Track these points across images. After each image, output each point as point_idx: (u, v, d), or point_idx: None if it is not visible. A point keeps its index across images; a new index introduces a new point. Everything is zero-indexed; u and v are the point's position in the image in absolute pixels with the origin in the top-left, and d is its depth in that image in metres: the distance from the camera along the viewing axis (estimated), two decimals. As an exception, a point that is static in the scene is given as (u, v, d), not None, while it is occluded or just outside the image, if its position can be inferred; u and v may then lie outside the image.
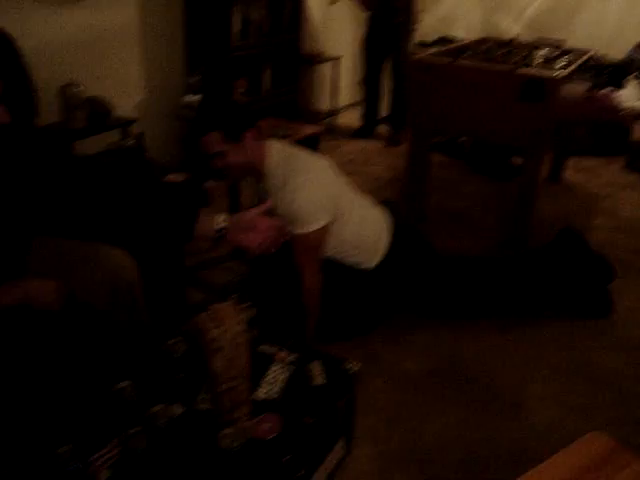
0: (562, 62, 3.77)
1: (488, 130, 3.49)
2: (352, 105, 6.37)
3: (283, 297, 2.65)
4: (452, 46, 4.37)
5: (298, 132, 3.99)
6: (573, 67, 3.62)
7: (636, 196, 4.55)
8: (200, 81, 4.15)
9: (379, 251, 2.68)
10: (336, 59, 5.78)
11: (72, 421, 1.66)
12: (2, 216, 1.59)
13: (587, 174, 4.94)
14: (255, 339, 1.98)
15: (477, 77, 3.40)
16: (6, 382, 1.61)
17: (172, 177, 3.22)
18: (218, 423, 1.66)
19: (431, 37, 6.49)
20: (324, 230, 2.45)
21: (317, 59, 5.59)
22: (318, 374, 1.91)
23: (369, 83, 5.59)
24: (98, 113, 3.57)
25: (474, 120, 3.47)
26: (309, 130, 4.15)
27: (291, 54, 5.01)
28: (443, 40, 6.31)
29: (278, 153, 2.46)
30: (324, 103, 6.00)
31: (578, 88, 4.11)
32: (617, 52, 5.68)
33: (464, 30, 6.63)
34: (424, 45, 6.15)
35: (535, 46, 4.33)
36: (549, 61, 3.86)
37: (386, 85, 5.58)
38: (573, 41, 4.94)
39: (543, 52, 4.08)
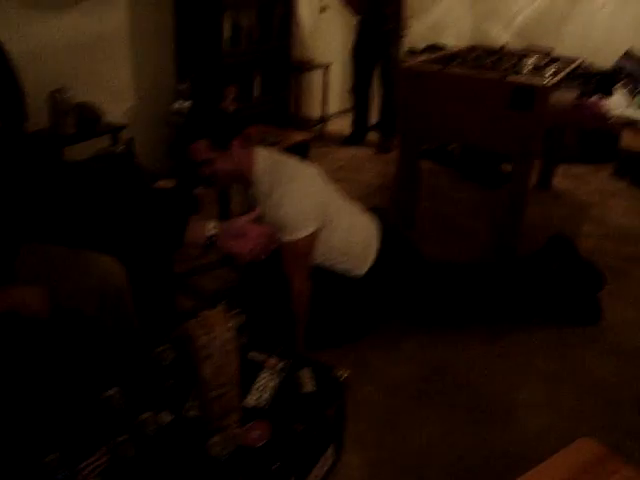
0: (551, 70, 3.79)
1: (478, 137, 3.50)
2: (342, 112, 6.38)
3: (273, 304, 2.65)
4: (442, 54, 4.38)
5: (288, 139, 3.99)
6: (562, 75, 3.64)
7: (625, 203, 4.57)
8: (190, 88, 4.15)
9: (368, 258, 2.68)
10: (326, 66, 5.79)
11: (60, 429, 1.65)
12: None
13: (576, 181, 4.96)
14: (245, 346, 1.97)
15: (467, 85, 3.41)
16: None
17: (162, 183, 3.20)
18: (207, 430, 1.65)
19: (421, 44, 6.51)
20: (312, 237, 2.44)
21: (307, 66, 5.59)
22: (308, 381, 1.91)
23: (359, 90, 5.59)
24: (88, 119, 3.56)
25: (464, 127, 3.48)
26: (299, 137, 4.16)
27: (281, 61, 5.01)
28: (433, 47, 6.33)
29: (265, 160, 2.46)
30: (314, 110, 6.01)
31: (567, 96, 4.13)
32: (605, 60, 5.72)
33: (454, 38, 6.67)
34: (414, 52, 6.18)
35: (524, 54, 4.35)
36: (538, 69, 3.88)
37: (376, 92, 5.59)
38: (562, 49, 4.99)
39: (532, 60, 4.10)
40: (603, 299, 3.06)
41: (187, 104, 4.06)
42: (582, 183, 4.93)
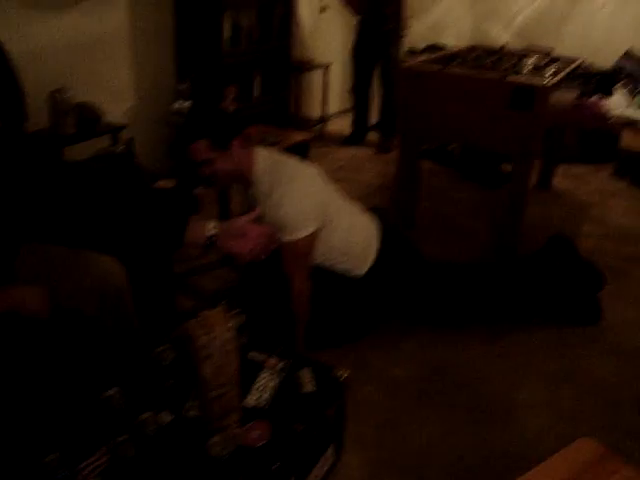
0: (551, 70, 3.79)
1: (478, 137, 3.50)
2: (342, 112, 6.38)
3: (273, 304, 2.65)
4: (442, 53, 4.38)
5: (288, 139, 3.99)
6: (562, 75, 3.64)
7: (625, 203, 4.57)
8: (190, 87, 4.15)
9: (368, 258, 2.68)
10: (326, 66, 5.79)
11: (60, 429, 1.65)
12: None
13: (576, 181, 4.96)
14: (245, 346, 1.97)
15: (467, 85, 3.41)
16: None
17: (162, 183, 3.20)
18: (207, 430, 1.65)
19: (421, 44, 6.51)
20: (312, 237, 2.44)
21: (307, 66, 5.59)
22: (308, 381, 1.91)
23: (358, 90, 5.59)
24: (88, 119, 3.56)
25: (464, 127, 3.48)
26: (299, 137, 4.16)
27: (281, 61, 5.01)
28: (433, 47, 6.33)
29: (265, 160, 2.46)
30: (314, 110, 6.01)
31: (567, 96, 4.13)
32: (605, 60, 5.72)
33: (454, 38, 6.66)
34: (414, 52, 6.18)
35: (524, 54, 4.35)
36: (538, 69, 3.88)
37: (376, 92, 5.59)
38: (561, 50, 4.98)
39: (532, 60, 4.10)
40: (603, 299, 3.05)
41: (187, 104, 4.06)
42: (582, 183, 4.93)
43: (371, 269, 2.68)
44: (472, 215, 4.24)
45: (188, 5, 4.22)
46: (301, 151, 3.99)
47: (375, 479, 2.08)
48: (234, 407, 1.68)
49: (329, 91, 5.96)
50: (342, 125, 6.06)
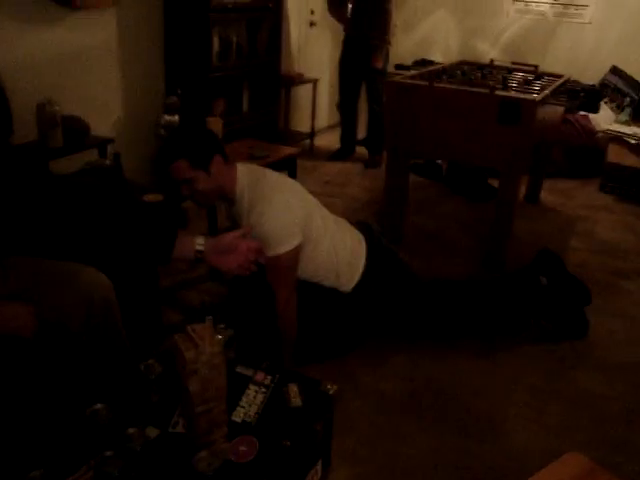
0: (538, 85, 3.82)
1: (465, 152, 3.52)
2: (331, 127, 6.41)
3: (260, 319, 2.63)
4: (430, 69, 4.41)
5: (276, 153, 3.99)
6: (549, 90, 3.67)
7: (611, 218, 4.60)
8: (178, 101, 4.15)
9: (356, 273, 2.68)
10: (315, 81, 5.81)
11: (44, 444, 1.63)
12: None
13: (563, 196, 4.99)
14: (232, 361, 1.96)
15: (455, 99, 3.43)
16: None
17: (150, 197, 3.19)
18: (194, 446, 1.64)
19: (409, 60, 6.55)
20: (296, 250, 2.43)
21: (296, 81, 5.61)
22: (295, 396, 1.90)
23: (345, 106, 5.61)
24: (75, 132, 3.54)
25: (451, 142, 3.49)
26: (287, 151, 4.16)
27: (270, 75, 5.03)
28: (421, 63, 6.37)
29: (244, 177, 2.45)
30: (303, 125, 6.03)
31: (554, 111, 4.16)
32: (591, 77, 5.76)
33: (441, 54, 6.71)
34: (402, 67, 6.21)
35: (511, 70, 4.39)
36: (525, 84, 3.91)
37: (363, 107, 5.61)
38: (548, 66, 5.02)
39: (519, 76, 4.14)
40: (590, 313, 3.06)
41: (175, 118, 4.06)
42: (569, 198, 4.96)
43: (358, 284, 2.67)
44: (460, 229, 4.25)
45: (177, 19, 4.23)
46: (289, 165, 4.00)
47: (363, 494, 2.07)
48: (221, 422, 1.66)
49: (318, 106, 5.98)
50: (330, 140, 6.08)
